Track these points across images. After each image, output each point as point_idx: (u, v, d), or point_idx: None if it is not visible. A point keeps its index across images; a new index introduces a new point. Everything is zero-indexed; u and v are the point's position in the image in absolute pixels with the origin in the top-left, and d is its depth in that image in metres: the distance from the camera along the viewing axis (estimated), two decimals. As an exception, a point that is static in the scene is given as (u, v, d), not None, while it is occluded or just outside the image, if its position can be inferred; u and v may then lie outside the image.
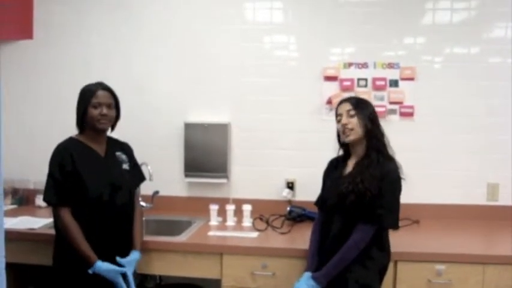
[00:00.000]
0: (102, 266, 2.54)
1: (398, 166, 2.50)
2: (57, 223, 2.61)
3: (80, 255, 2.54)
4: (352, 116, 2.52)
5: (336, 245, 2.47)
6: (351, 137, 2.53)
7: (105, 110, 2.67)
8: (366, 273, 2.43)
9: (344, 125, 2.53)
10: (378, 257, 2.47)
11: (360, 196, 2.41)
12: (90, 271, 2.53)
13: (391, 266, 2.64)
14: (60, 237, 2.66)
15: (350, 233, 2.43)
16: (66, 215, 2.57)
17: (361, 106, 2.54)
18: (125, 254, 2.69)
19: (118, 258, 2.61)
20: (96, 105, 2.66)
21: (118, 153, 2.83)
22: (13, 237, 2.75)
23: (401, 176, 2.50)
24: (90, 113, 2.65)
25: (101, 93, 2.68)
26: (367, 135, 2.51)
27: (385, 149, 2.51)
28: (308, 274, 2.49)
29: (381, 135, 2.53)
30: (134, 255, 2.70)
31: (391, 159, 2.49)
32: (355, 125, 2.51)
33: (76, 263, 2.56)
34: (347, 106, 2.54)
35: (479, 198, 3.53)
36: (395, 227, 2.48)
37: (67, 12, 3.83)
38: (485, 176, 3.53)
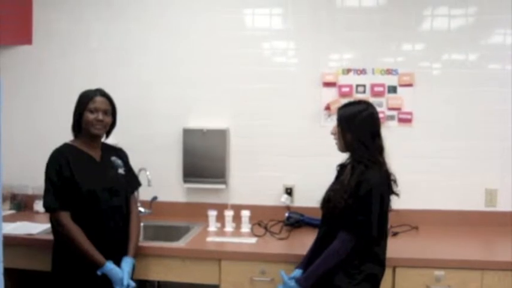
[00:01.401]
0: (111, 266, 2.58)
1: (385, 172, 2.47)
2: (58, 228, 2.61)
3: (88, 258, 2.56)
4: (337, 126, 2.57)
5: (320, 249, 2.50)
6: (338, 147, 2.60)
7: (101, 116, 2.69)
8: (349, 282, 2.42)
9: (332, 134, 2.62)
10: (364, 266, 2.44)
11: (334, 206, 2.45)
12: (99, 272, 2.56)
13: (389, 272, 2.64)
14: (59, 242, 2.66)
15: (333, 239, 2.44)
16: (68, 219, 2.58)
17: (346, 119, 2.53)
18: (120, 260, 2.69)
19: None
20: (92, 110, 2.68)
21: (113, 158, 2.85)
22: (11, 243, 2.74)
23: (393, 181, 2.51)
24: (86, 118, 2.67)
25: (98, 98, 2.70)
26: (346, 147, 2.54)
27: (366, 157, 2.45)
28: (296, 272, 2.58)
29: (361, 144, 2.47)
30: (127, 263, 2.68)
31: (372, 167, 2.44)
32: (338, 135, 2.56)
33: (75, 267, 2.59)
34: (336, 116, 2.59)
35: (477, 204, 3.53)
36: (368, 236, 2.41)
37: (66, 18, 3.84)
38: (483, 182, 3.53)
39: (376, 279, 2.50)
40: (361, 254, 2.43)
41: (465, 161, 3.53)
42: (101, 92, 2.74)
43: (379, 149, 2.51)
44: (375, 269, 2.48)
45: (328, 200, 2.52)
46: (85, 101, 2.69)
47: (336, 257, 2.41)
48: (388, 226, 2.59)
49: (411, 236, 3.28)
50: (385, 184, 2.47)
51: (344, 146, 2.55)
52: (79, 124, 2.71)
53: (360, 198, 2.38)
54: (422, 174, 3.52)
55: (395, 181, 2.53)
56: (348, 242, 2.40)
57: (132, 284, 2.64)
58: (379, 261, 2.50)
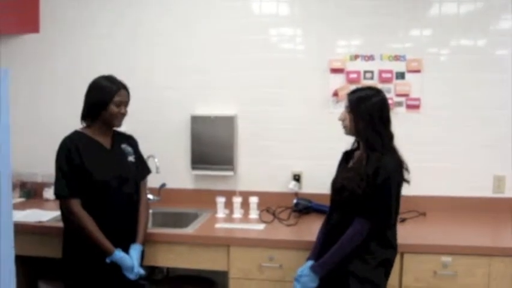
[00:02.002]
0: (120, 254, 2.61)
1: (398, 160, 2.47)
2: (69, 216, 2.63)
3: (98, 246, 2.59)
4: (348, 113, 2.53)
5: (334, 237, 2.49)
6: (345, 132, 2.58)
7: (123, 109, 2.75)
8: (365, 268, 2.42)
9: (340, 120, 2.58)
10: (377, 251, 2.45)
11: (352, 193, 2.43)
12: (108, 260, 2.59)
13: (397, 258, 2.64)
14: (69, 229, 2.69)
15: (347, 226, 2.44)
16: (79, 207, 2.60)
17: (356, 104, 2.49)
18: (129, 245, 2.73)
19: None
20: (118, 104, 2.71)
21: (123, 146, 2.87)
22: (21, 230, 2.77)
23: (405, 168, 2.50)
24: (112, 110, 2.70)
25: (123, 92, 2.75)
26: (357, 133, 2.52)
27: (380, 144, 2.44)
28: (309, 263, 2.53)
29: (376, 133, 2.45)
30: (135, 250, 2.71)
31: (387, 154, 2.44)
32: (348, 122, 2.52)
33: (86, 254, 2.62)
34: (347, 101, 2.54)
35: (485, 190, 3.52)
36: (386, 222, 2.44)
37: (73, 6, 3.85)
38: (491, 169, 3.52)
39: (390, 263, 2.52)
40: (375, 239, 2.44)
41: (473, 147, 3.52)
42: (123, 85, 2.77)
43: (391, 136, 2.50)
44: (388, 253, 2.49)
45: (342, 188, 2.49)
46: (111, 93, 2.70)
47: (352, 244, 2.42)
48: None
49: (419, 222, 3.29)
50: (400, 172, 2.47)
51: (355, 133, 2.52)
52: (96, 113, 2.72)
53: (378, 186, 2.38)
54: (430, 161, 3.51)
55: (407, 169, 2.51)
56: (364, 228, 2.40)
57: (142, 271, 2.67)
58: (391, 245, 2.51)
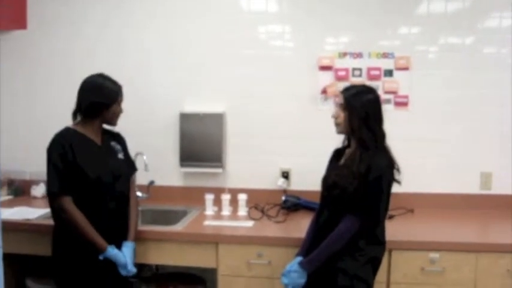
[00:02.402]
0: (113, 251, 2.61)
1: (390, 159, 2.48)
2: (61, 213, 2.61)
3: (91, 243, 2.58)
4: (342, 110, 2.52)
5: (324, 233, 2.49)
6: (338, 130, 2.58)
7: (121, 108, 2.81)
8: (354, 265, 2.43)
9: (333, 117, 2.57)
10: (366, 248, 2.46)
11: (343, 190, 2.43)
12: (101, 257, 2.59)
13: (385, 254, 2.66)
14: (60, 227, 2.67)
15: (337, 223, 2.45)
16: (71, 204, 2.59)
17: (352, 101, 2.49)
18: (121, 242, 2.72)
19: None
20: (120, 103, 2.77)
21: (113, 143, 2.86)
22: (9, 228, 2.76)
23: (396, 169, 2.50)
24: (115, 110, 2.74)
25: (122, 91, 2.78)
26: (351, 131, 2.51)
27: (373, 143, 2.45)
28: (298, 259, 2.54)
29: (370, 131, 2.45)
30: (128, 247, 2.72)
31: (380, 153, 2.45)
32: (342, 120, 2.52)
33: (77, 251, 2.61)
34: (341, 98, 2.54)
35: (472, 187, 3.55)
36: (376, 220, 2.46)
37: (60, 2, 3.82)
38: (478, 165, 3.55)
39: (378, 260, 2.53)
40: (364, 236, 2.45)
41: (460, 144, 3.55)
42: (121, 84, 2.80)
43: (384, 135, 2.51)
44: (376, 250, 2.51)
45: (334, 185, 2.49)
46: (116, 94, 2.73)
47: (342, 240, 2.42)
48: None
49: (406, 218, 3.31)
50: (391, 171, 2.48)
51: (350, 130, 2.51)
52: (97, 113, 2.71)
53: (369, 183, 2.39)
54: (418, 158, 3.52)
55: (398, 169, 2.52)
56: (354, 226, 2.41)
57: (133, 270, 2.67)
58: (379, 242, 2.53)
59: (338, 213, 2.47)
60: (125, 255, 2.65)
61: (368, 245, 2.46)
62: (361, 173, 2.40)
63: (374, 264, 2.51)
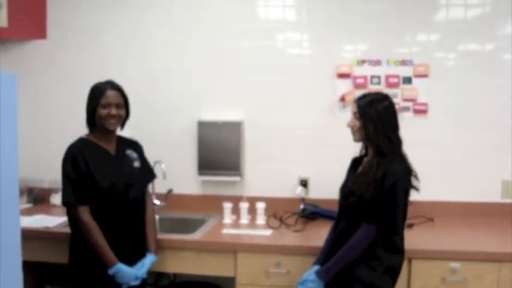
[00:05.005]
0: (122, 269, 2.60)
1: (407, 167, 2.47)
2: (77, 223, 2.63)
3: (101, 256, 2.58)
4: (357, 119, 2.52)
5: (341, 242, 2.48)
6: (354, 138, 2.58)
7: (114, 111, 2.70)
8: (371, 274, 2.42)
9: (349, 126, 2.58)
10: (384, 257, 2.44)
11: (359, 197, 2.42)
12: (110, 272, 2.58)
13: (405, 264, 2.63)
14: (76, 235, 2.68)
15: (354, 232, 2.44)
16: (86, 214, 2.60)
17: (366, 110, 2.49)
18: (139, 252, 2.73)
19: (136, 271, 2.68)
20: (105, 105, 2.68)
21: (128, 152, 2.87)
22: (29, 236, 2.77)
23: (414, 176, 2.49)
24: (99, 113, 2.68)
25: (110, 93, 2.70)
26: (368, 139, 2.51)
27: (390, 150, 2.45)
28: (315, 267, 2.53)
29: (385, 138, 2.45)
30: (150, 259, 2.74)
31: (396, 160, 2.44)
32: (357, 128, 2.52)
33: (94, 260, 2.60)
34: (355, 107, 2.54)
35: (493, 195, 3.50)
36: (392, 227, 2.44)
37: (81, 11, 3.85)
38: (499, 173, 3.49)
39: (396, 270, 2.50)
40: (382, 245, 2.43)
41: (481, 152, 3.49)
42: (111, 85, 2.74)
43: (400, 142, 2.50)
44: (394, 259, 2.48)
45: (352, 193, 2.48)
46: (97, 96, 2.69)
47: (358, 249, 2.41)
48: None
49: (426, 227, 3.27)
50: (409, 178, 2.47)
51: (365, 138, 2.52)
52: (93, 119, 2.72)
53: (385, 191, 2.37)
54: (438, 166, 3.48)
55: (416, 176, 2.51)
56: (371, 233, 2.40)
57: (143, 276, 2.70)
58: (397, 251, 2.50)
59: (355, 221, 2.45)
60: (143, 265, 2.68)
61: (386, 254, 2.45)
62: (377, 180, 2.39)
63: (392, 275, 2.48)
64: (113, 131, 2.79)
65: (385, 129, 2.46)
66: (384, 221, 2.40)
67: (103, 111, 2.68)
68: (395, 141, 2.48)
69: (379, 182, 2.39)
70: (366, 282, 2.41)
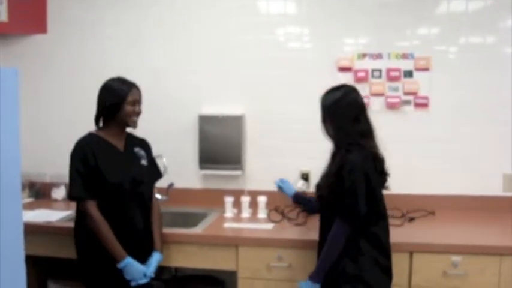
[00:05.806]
0: (131, 263, 2.62)
1: (365, 154, 2.42)
2: (85, 217, 2.63)
3: (110, 250, 2.60)
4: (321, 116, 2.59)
5: (321, 238, 2.53)
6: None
7: (138, 108, 2.75)
8: (355, 266, 2.40)
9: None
10: (368, 249, 2.42)
11: (322, 191, 2.49)
12: (119, 266, 2.60)
13: (406, 257, 2.64)
14: (83, 230, 2.69)
15: (329, 227, 2.44)
16: (94, 209, 2.61)
17: (321, 103, 2.58)
18: (145, 250, 2.75)
19: (145, 269, 2.69)
20: (132, 103, 2.71)
21: (137, 149, 2.87)
22: (31, 230, 2.76)
23: (382, 160, 2.50)
24: (126, 110, 2.69)
25: (135, 91, 2.75)
26: (329, 135, 2.58)
27: (345, 142, 2.45)
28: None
29: (339, 129, 2.48)
30: (156, 258, 2.76)
31: (353, 150, 2.40)
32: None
33: (102, 255, 2.62)
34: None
35: (495, 189, 3.50)
36: (358, 216, 2.37)
37: (82, 6, 3.85)
38: (500, 167, 3.48)
39: (385, 264, 2.46)
40: (363, 236, 2.42)
41: (482, 145, 3.49)
42: (134, 84, 2.77)
43: (361, 133, 2.47)
44: (379, 250, 2.44)
45: (318, 188, 2.55)
46: (123, 93, 2.70)
47: (337, 245, 2.40)
48: (385, 206, 2.54)
49: (428, 221, 3.27)
50: (369, 163, 2.42)
51: (326, 134, 2.58)
52: (111, 116, 2.72)
53: (343, 180, 2.37)
54: (439, 159, 3.49)
55: (383, 160, 2.50)
56: (343, 228, 2.39)
57: (151, 275, 2.71)
58: (379, 242, 2.45)
59: (329, 218, 2.46)
60: (150, 265, 2.70)
61: (368, 245, 2.43)
62: (334, 173, 2.42)
63: (382, 267, 2.45)
64: (132, 128, 2.82)
65: (340, 123, 2.48)
66: (348, 212, 2.37)
67: (130, 108, 2.70)
68: (351, 133, 2.45)
69: (337, 174, 2.40)
70: (350, 274, 2.40)
